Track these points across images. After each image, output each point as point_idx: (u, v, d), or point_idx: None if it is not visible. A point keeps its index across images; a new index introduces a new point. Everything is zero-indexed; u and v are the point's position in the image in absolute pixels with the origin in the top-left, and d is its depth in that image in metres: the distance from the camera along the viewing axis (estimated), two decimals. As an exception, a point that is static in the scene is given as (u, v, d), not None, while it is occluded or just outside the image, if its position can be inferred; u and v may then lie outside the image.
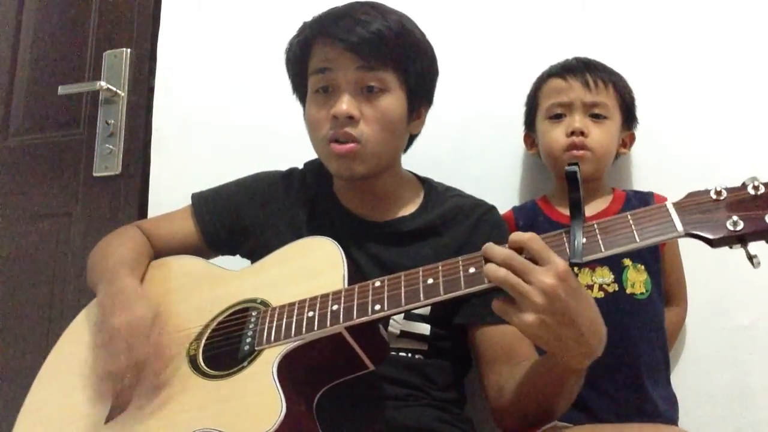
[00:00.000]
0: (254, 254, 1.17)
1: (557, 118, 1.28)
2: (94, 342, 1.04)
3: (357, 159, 1.08)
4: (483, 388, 1.08)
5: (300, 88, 1.19)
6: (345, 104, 1.07)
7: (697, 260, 1.30)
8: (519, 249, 0.82)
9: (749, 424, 1.28)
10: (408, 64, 1.11)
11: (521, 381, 0.98)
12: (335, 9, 1.12)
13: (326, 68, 1.09)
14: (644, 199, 1.29)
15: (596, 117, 1.26)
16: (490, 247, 0.84)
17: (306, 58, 1.14)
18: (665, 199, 1.06)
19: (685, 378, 1.30)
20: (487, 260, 0.83)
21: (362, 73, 1.08)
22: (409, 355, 1.11)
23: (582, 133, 1.24)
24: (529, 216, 1.32)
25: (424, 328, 1.11)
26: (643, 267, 1.23)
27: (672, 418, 1.22)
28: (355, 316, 0.90)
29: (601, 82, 1.26)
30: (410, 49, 1.11)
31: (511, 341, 1.04)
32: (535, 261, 0.80)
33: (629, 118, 1.32)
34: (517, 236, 0.83)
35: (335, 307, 0.91)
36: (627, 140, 1.34)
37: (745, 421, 1.28)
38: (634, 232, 0.80)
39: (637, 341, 1.21)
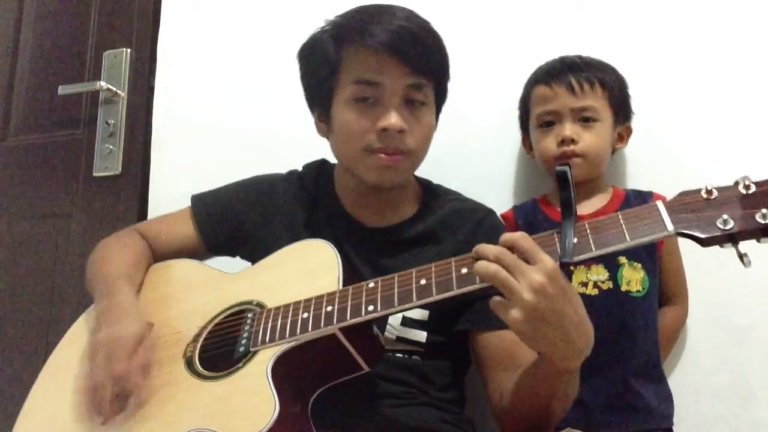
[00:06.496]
0: (254, 256, 1.17)
1: (547, 125, 1.27)
2: (86, 353, 1.04)
3: (400, 170, 1.09)
4: (486, 393, 1.08)
5: (322, 90, 1.12)
6: (395, 118, 1.05)
7: (697, 260, 1.29)
8: (510, 248, 0.82)
9: (749, 424, 1.28)
10: (444, 78, 1.13)
11: (517, 384, 0.98)
12: (364, 10, 1.09)
13: (374, 81, 1.06)
14: (644, 198, 1.28)
15: (586, 121, 1.24)
16: (482, 247, 0.84)
17: (337, 62, 1.09)
18: (664, 199, 1.05)
19: (685, 378, 1.30)
20: (480, 259, 0.83)
21: (413, 89, 1.07)
22: (406, 355, 1.10)
23: (573, 140, 1.23)
24: (529, 215, 1.32)
25: (421, 335, 1.10)
26: (639, 265, 1.23)
27: (665, 414, 1.22)
28: (348, 317, 0.90)
29: (587, 84, 1.24)
30: (446, 63, 1.12)
31: (510, 346, 1.03)
32: (526, 260, 0.80)
33: (623, 113, 1.30)
34: (507, 236, 0.83)
35: (329, 308, 0.92)
36: (624, 134, 1.32)
37: (744, 421, 1.28)
38: (625, 231, 0.80)
39: (629, 338, 1.20)
